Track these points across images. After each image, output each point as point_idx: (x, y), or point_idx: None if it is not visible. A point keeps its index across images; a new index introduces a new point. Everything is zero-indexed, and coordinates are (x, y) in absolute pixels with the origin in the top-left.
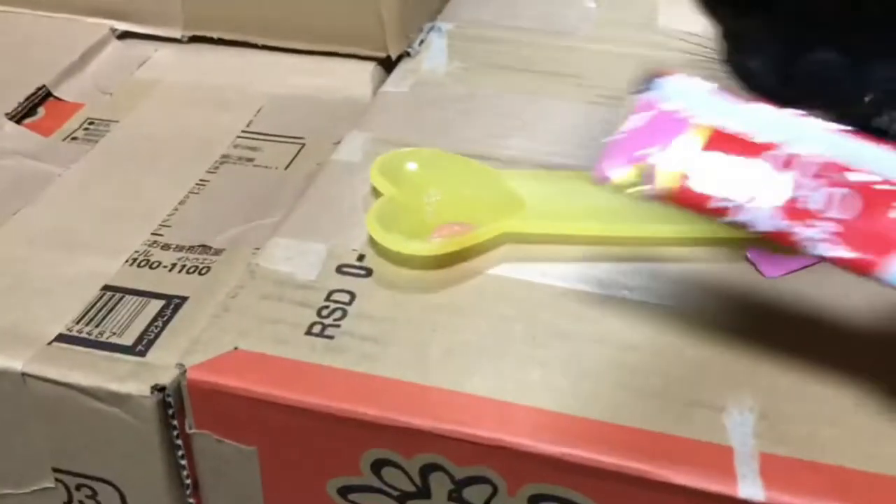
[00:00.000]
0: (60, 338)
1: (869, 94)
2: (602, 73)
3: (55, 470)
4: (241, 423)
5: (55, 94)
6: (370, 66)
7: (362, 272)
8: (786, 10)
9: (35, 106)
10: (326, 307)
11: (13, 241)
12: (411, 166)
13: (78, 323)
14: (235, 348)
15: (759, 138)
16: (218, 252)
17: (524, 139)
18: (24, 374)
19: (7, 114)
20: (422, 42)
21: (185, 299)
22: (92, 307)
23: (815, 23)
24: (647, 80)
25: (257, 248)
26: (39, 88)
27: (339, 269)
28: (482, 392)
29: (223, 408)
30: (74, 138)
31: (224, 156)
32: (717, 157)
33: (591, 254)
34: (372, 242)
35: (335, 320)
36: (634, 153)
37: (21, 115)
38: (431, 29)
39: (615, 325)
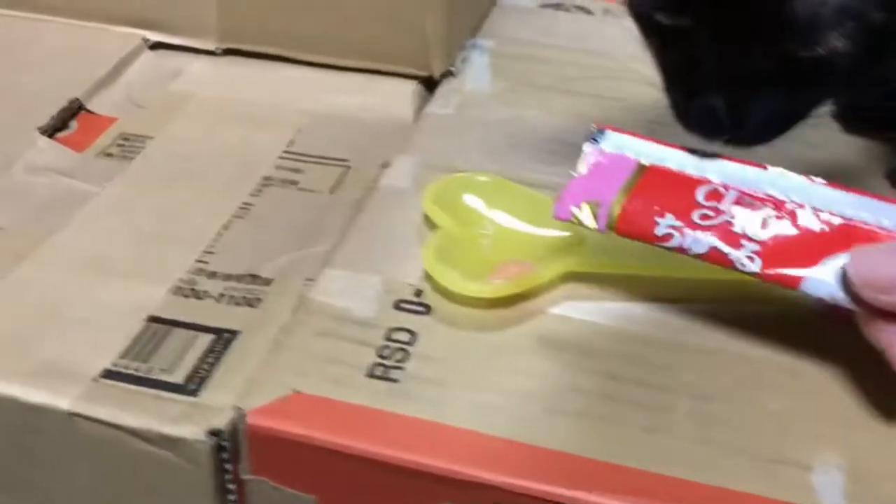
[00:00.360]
0: (107, 374)
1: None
2: (647, 95)
3: None
4: (300, 470)
5: (87, 107)
6: (411, 85)
7: (421, 309)
8: (687, 56)
9: (67, 119)
10: (387, 347)
11: (50, 266)
12: (465, 195)
13: (124, 357)
14: (295, 391)
15: (693, 174)
16: (267, 282)
17: (572, 165)
18: (70, 414)
19: (39, 128)
20: (463, 60)
21: (235, 333)
22: (138, 340)
23: (703, 72)
24: (595, 132)
25: (309, 279)
26: (72, 101)
27: (397, 306)
28: (556, 446)
29: (282, 454)
30: (109, 154)
31: (266, 177)
32: (658, 193)
33: (660, 293)
34: (428, 277)
35: (397, 362)
36: (588, 193)
37: (53, 129)
38: (472, 47)
39: (690, 374)
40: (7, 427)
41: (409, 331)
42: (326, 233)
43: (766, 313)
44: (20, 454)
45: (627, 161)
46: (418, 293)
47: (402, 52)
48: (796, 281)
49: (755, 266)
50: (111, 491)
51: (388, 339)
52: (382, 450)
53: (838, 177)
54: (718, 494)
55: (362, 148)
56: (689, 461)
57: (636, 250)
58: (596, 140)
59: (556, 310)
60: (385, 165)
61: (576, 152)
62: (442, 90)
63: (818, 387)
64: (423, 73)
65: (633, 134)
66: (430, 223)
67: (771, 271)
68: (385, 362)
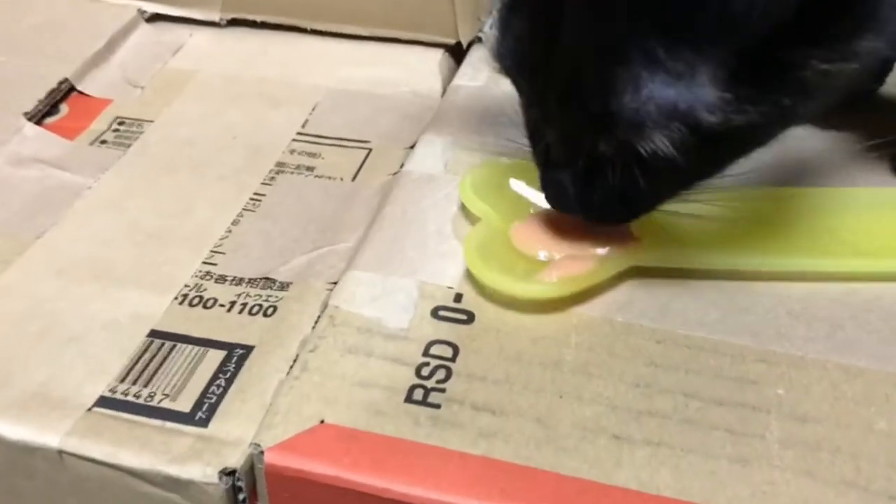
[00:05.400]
0: (103, 402)
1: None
2: None
3: None
4: None
5: (79, 87)
6: (438, 54)
7: (463, 317)
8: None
9: (57, 103)
10: (426, 364)
11: (40, 273)
12: (509, 182)
13: (123, 381)
14: (321, 422)
15: None
16: (284, 286)
17: None
18: (61, 452)
19: (26, 113)
20: (492, 25)
21: (249, 349)
22: (138, 360)
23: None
24: None
25: (332, 283)
26: (62, 82)
27: (435, 314)
28: (632, 484)
29: (307, 496)
30: (103, 141)
31: (279, 163)
32: None
33: (739, 293)
34: (469, 278)
35: (438, 382)
36: None
37: (41, 114)
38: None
39: (781, 390)
40: None
41: (450, 344)
42: (349, 227)
43: (868, 312)
44: (8, 496)
45: None
46: (458, 298)
47: (425, 18)
48: None
49: None
50: None
51: (427, 354)
52: (423, 491)
53: None
54: None
55: (385, 127)
56: (790, 497)
57: (701, 242)
58: None
59: (621, 315)
60: (411, 147)
61: None
62: (470, 59)
63: None
64: (450, 41)
65: None
66: (467, 213)
67: None
68: (425, 383)
